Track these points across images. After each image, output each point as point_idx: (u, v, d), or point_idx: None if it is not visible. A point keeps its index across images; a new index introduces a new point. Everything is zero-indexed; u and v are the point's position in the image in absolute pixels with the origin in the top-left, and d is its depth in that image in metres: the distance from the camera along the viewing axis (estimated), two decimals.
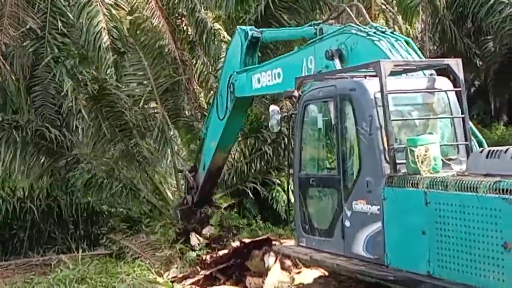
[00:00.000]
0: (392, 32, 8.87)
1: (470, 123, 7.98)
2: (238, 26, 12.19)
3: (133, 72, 14.87)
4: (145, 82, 14.83)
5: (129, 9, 14.67)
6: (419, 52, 8.61)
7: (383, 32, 8.70)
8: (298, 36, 11.19)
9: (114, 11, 13.74)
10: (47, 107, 15.32)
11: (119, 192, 14.93)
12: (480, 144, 7.88)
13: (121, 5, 14.20)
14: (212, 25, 15.68)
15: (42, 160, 14.75)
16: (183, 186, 14.00)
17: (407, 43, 8.63)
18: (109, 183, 14.81)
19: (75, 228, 15.93)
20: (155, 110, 14.82)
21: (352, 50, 8.84)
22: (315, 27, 9.89)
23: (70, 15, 14.60)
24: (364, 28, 8.87)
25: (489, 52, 21.29)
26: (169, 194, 14.92)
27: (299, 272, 10.80)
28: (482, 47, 21.37)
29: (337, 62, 8.89)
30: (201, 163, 13.00)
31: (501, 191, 5.74)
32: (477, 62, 21.94)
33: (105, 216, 16.30)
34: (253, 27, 12.03)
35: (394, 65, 7.47)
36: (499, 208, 5.73)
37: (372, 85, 7.42)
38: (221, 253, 12.21)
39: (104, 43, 13.33)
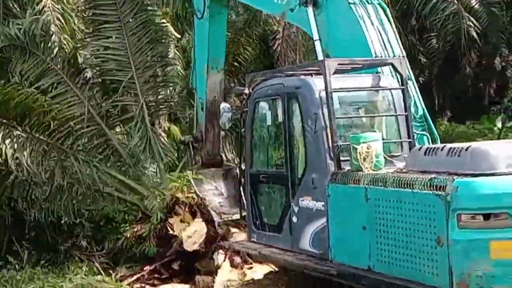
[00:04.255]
0: None
1: (430, 119, 8.19)
2: None
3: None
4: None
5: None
6: (392, 21, 8.60)
7: None
8: None
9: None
10: None
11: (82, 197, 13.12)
12: (434, 141, 8.08)
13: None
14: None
15: None
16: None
17: (384, 10, 8.64)
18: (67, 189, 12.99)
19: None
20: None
21: (328, 1, 8.73)
22: None
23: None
24: None
25: (433, 49, 21.59)
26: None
27: (250, 268, 10.84)
28: (426, 44, 21.74)
29: (310, 10, 8.82)
30: (199, 104, 12.31)
31: (435, 187, 5.89)
32: (421, 59, 22.32)
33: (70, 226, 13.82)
34: None
35: (339, 64, 7.55)
36: (433, 204, 5.89)
37: (318, 83, 7.50)
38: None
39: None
